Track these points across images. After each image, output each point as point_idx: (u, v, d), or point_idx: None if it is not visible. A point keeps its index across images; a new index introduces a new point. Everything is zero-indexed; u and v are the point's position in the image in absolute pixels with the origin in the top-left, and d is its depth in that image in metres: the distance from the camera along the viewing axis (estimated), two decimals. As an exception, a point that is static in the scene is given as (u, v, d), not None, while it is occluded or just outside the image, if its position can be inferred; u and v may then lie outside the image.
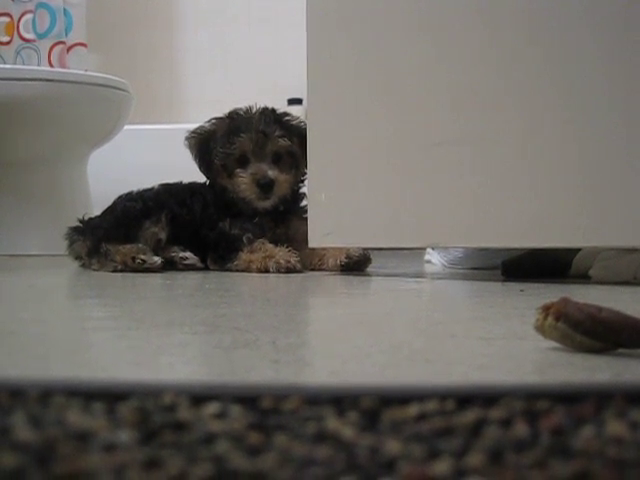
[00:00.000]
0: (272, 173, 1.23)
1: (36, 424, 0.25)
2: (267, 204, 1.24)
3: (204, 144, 1.30)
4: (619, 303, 0.61)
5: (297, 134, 1.27)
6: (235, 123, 1.27)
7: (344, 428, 0.25)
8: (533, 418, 0.26)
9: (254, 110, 1.30)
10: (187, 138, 1.33)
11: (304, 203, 1.28)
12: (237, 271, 1.16)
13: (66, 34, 2.11)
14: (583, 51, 0.94)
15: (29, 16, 2.09)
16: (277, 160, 1.26)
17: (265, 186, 1.22)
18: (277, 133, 1.25)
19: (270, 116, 1.27)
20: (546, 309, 0.39)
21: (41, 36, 2.08)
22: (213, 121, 1.32)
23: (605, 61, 0.92)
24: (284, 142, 1.25)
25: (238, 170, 1.25)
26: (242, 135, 1.24)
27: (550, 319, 0.39)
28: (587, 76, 0.92)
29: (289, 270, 1.10)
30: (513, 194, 0.89)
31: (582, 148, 0.89)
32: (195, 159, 1.32)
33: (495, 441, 0.23)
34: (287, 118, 1.30)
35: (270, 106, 1.32)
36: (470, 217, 0.92)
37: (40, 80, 1.66)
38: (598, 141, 0.88)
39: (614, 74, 0.91)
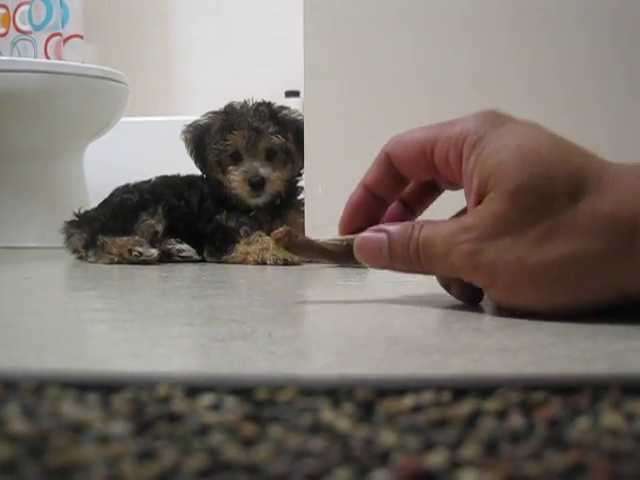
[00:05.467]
0: (264, 171, 1.24)
1: (30, 416, 0.25)
2: (259, 201, 1.24)
3: (199, 139, 1.30)
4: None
5: (293, 129, 1.27)
6: (229, 119, 1.27)
7: (339, 419, 0.25)
8: (529, 409, 0.26)
9: (250, 104, 1.29)
10: (183, 132, 1.33)
11: (301, 196, 1.29)
12: (234, 263, 1.16)
13: (62, 26, 2.10)
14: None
15: (25, 7, 2.08)
16: (271, 156, 1.26)
17: (256, 184, 1.22)
18: (271, 130, 1.25)
19: (265, 112, 1.27)
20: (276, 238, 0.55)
21: (37, 28, 2.07)
22: (209, 115, 1.32)
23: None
24: (277, 139, 1.25)
25: (231, 167, 1.25)
26: (235, 132, 1.24)
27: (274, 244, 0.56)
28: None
29: (286, 262, 1.10)
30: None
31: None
32: (190, 154, 1.32)
33: (490, 432, 0.23)
34: (284, 112, 1.30)
35: (267, 100, 1.31)
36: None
37: (36, 72, 1.66)
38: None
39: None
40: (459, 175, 0.49)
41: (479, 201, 0.46)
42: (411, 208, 0.57)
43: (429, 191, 0.57)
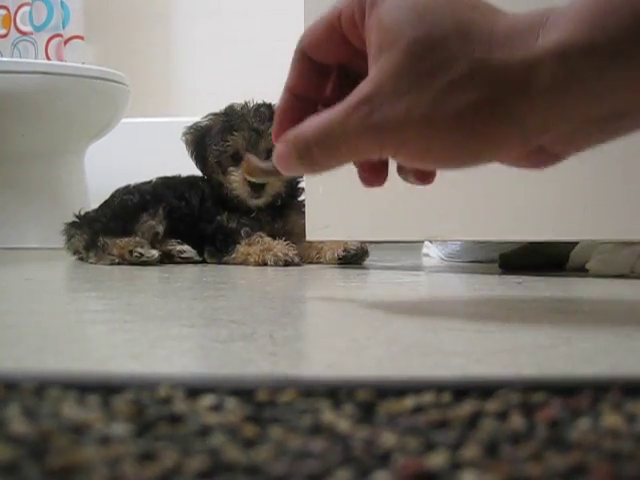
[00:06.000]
0: None
1: (31, 417, 0.25)
2: (259, 202, 1.24)
3: (200, 140, 1.30)
4: (616, 296, 0.61)
5: None
6: (230, 120, 1.27)
7: (340, 421, 0.25)
8: (529, 410, 0.26)
9: (250, 106, 1.29)
10: (184, 134, 1.33)
11: (302, 197, 1.29)
12: (235, 264, 1.16)
13: (63, 27, 2.10)
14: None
15: (26, 8, 2.08)
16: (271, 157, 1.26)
17: (256, 185, 1.22)
18: (271, 130, 1.24)
19: (265, 112, 1.27)
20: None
21: (38, 29, 2.08)
22: (210, 117, 1.32)
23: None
24: None
25: (231, 168, 1.25)
26: (235, 133, 1.24)
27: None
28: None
29: (287, 263, 1.10)
30: (511, 186, 0.89)
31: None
32: (191, 155, 1.32)
33: (491, 433, 0.23)
34: None
35: (267, 101, 1.31)
36: (468, 210, 0.91)
37: (37, 73, 1.66)
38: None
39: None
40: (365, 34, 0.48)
41: (376, 63, 0.45)
42: (310, 99, 0.54)
43: (344, 83, 0.53)
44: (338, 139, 0.46)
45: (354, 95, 0.45)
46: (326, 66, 0.53)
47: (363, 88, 0.45)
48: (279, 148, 0.51)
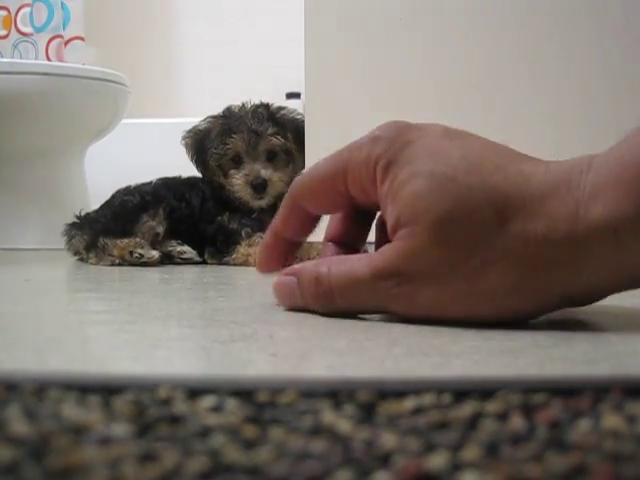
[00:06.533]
0: (265, 173, 1.24)
1: (31, 418, 0.25)
2: (262, 203, 1.25)
3: (200, 144, 1.30)
4: (617, 297, 0.61)
5: (292, 129, 1.27)
6: (228, 122, 1.28)
7: (340, 422, 0.25)
8: (529, 411, 0.26)
9: (248, 107, 1.30)
10: (183, 138, 1.33)
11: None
12: (235, 265, 1.16)
13: (64, 28, 2.10)
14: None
15: (26, 9, 2.08)
16: (272, 158, 1.27)
17: (258, 186, 1.23)
18: (270, 131, 1.25)
19: (263, 113, 1.27)
20: None
21: (38, 30, 2.07)
22: (208, 120, 1.32)
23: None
24: (277, 140, 1.25)
25: (232, 171, 1.26)
26: (234, 136, 1.25)
27: None
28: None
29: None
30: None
31: (580, 145, 0.88)
32: (192, 159, 1.33)
33: (491, 434, 0.23)
34: (282, 113, 1.30)
35: (265, 102, 1.32)
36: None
37: (37, 74, 1.66)
38: (595, 141, 0.88)
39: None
40: (378, 200, 0.47)
41: (394, 233, 0.44)
42: (353, 246, 0.55)
43: (360, 221, 0.54)
44: (362, 296, 0.47)
45: (380, 261, 0.44)
46: (316, 215, 0.54)
47: (390, 258, 0.44)
48: (288, 281, 0.51)
